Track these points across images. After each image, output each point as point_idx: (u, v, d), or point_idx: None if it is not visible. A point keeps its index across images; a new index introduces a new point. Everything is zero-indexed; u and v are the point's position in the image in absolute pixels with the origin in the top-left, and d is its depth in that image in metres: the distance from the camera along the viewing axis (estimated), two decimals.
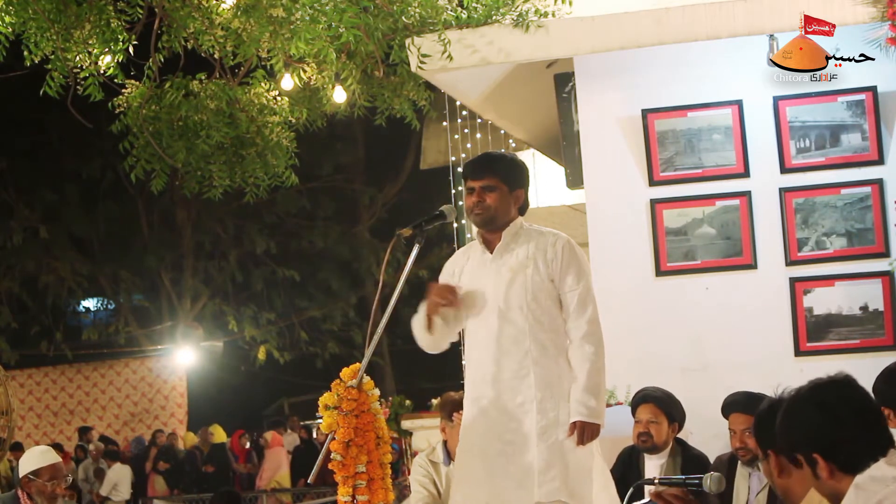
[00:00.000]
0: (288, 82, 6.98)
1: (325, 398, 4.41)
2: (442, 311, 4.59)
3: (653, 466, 5.48)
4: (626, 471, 5.37)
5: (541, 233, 4.57)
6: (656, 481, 4.71)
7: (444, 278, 4.72)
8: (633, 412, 5.59)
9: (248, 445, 18.38)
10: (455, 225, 8.77)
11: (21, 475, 5.61)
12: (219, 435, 17.38)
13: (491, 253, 4.58)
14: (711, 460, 5.47)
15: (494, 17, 6.03)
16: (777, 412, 2.84)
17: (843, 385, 2.79)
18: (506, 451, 4.41)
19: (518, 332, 4.46)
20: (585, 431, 4.32)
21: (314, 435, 18.08)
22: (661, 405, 5.52)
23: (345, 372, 4.48)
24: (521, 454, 4.38)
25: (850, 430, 2.70)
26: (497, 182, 4.57)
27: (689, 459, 5.50)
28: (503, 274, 4.52)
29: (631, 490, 4.81)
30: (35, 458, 5.66)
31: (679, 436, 5.72)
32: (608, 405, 5.76)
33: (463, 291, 4.57)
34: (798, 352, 6.27)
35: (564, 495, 4.29)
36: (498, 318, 4.50)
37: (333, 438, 4.36)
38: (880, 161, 6.25)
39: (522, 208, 4.65)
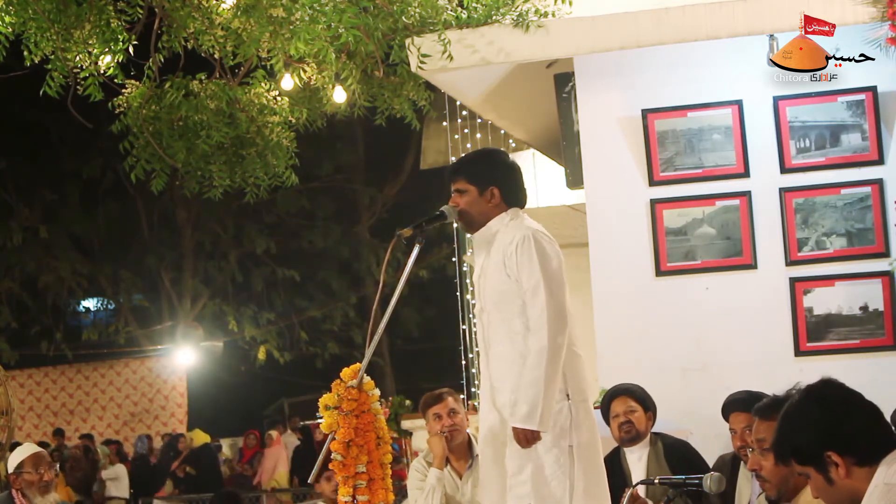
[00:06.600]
0: (288, 82, 6.98)
1: (326, 398, 4.42)
2: None
3: (635, 459, 5.50)
4: (611, 474, 5.36)
5: (513, 229, 4.44)
6: (656, 482, 4.73)
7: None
8: (606, 411, 5.59)
9: (254, 445, 18.38)
10: (455, 225, 8.77)
11: (10, 474, 5.72)
12: (200, 437, 17.35)
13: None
14: (713, 461, 5.47)
15: (494, 17, 6.03)
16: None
17: (835, 384, 2.78)
18: (496, 452, 4.42)
19: (494, 335, 4.45)
20: (519, 437, 4.23)
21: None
22: (634, 396, 5.57)
23: (345, 372, 4.48)
24: (502, 457, 4.39)
25: (859, 421, 2.67)
26: (465, 184, 4.52)
27: (669, 447, 5.51)
28: (480, 278, 4.53)
29: (630, 490, 4.82)
30: (16, 453, 5.77)
31: (679, 435, 5.73)
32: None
33: None
34: (798, 352, 6.26)
35: (533, 499, 4.26)
36: (480, 322, 4.53)
37: (334, 438, 4.36)
38: (880, 161, 6.25)
39: (511, 202, 4.54)
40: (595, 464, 4.43)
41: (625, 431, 5.50)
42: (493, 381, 4.45)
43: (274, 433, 17.75)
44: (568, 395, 4.35)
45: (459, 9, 6.19)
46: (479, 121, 8.87)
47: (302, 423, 19.35)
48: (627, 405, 5.53)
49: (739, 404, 5.10)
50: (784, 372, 5.88)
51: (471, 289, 8.75)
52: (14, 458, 5.77)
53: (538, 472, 4.27)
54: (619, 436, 5.53)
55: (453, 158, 8.85)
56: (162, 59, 6.78)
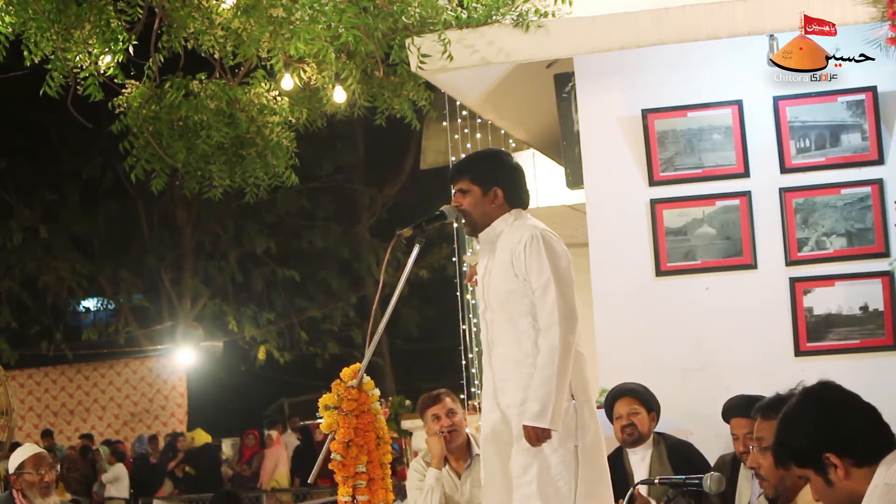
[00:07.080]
0: (288, 82, 6.98)
1: (326, 398, 4.42)
2: None
3: (638, 461, 5.48)
4: (613, 473, 5.36)
5: (519, 229, 4.45)
6: (656, 482, 4.72)
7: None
8: (610, 411, 5.58)
9: (254, 445, 18.37)
10: (455, 225, 8.77)
11: (10, 475, 5.74)
12: (201, 437, 17.32)
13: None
14: (713, 461, 5.46)
15: (494, 17, 6.03)
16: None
17: (832, 385, 2.78)
18: (499, 452, 4.42)
19: (498, 335, 4.44)
20: (530, 435, 4.22)
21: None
22: (637, 396, 5.54)
23: (345, 372, 4.48)
24: (508, 456, 4.38)
25: (857, 422, 2.67)
26: (468, 184, 4.51)
27: (673, 448, 5.50)
28: (485, 277, 4.52)
29: (631, 491, 4.82)
30: (17, 454, 5.76)
31: (679, 435, 5.72)
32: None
33: None
34: (798, 352, 6.27)
35: (539, 500, 4.25)
36: (483, 322, 4.51)
37: (334, 438, 4.36)
38: (880, 161, 6.25)
39: (514, 203, 4.54)
40: (599, 464, 4.43)
41: (627, 434, 5.48)
42: (496, 380, 4.44)
43: (274, 433, 17.75)
44: (572, 395, 4.35)
45: (459, 9, 6.19)
46: (479, 121, 8.87)
47: (302, 423, 19.35)
48: (631, 407, 5.50)
49: (740, 409, 5.09)
50: (784, 372, 5.88)
51: (471, 289, 8.75)
52: (15, 459, 5.77)
53: (544, 472, 4.26)
54: (621, 437, 5.52)
55: (453, 158, 8.86)
56: (162, 59, 6.78)
